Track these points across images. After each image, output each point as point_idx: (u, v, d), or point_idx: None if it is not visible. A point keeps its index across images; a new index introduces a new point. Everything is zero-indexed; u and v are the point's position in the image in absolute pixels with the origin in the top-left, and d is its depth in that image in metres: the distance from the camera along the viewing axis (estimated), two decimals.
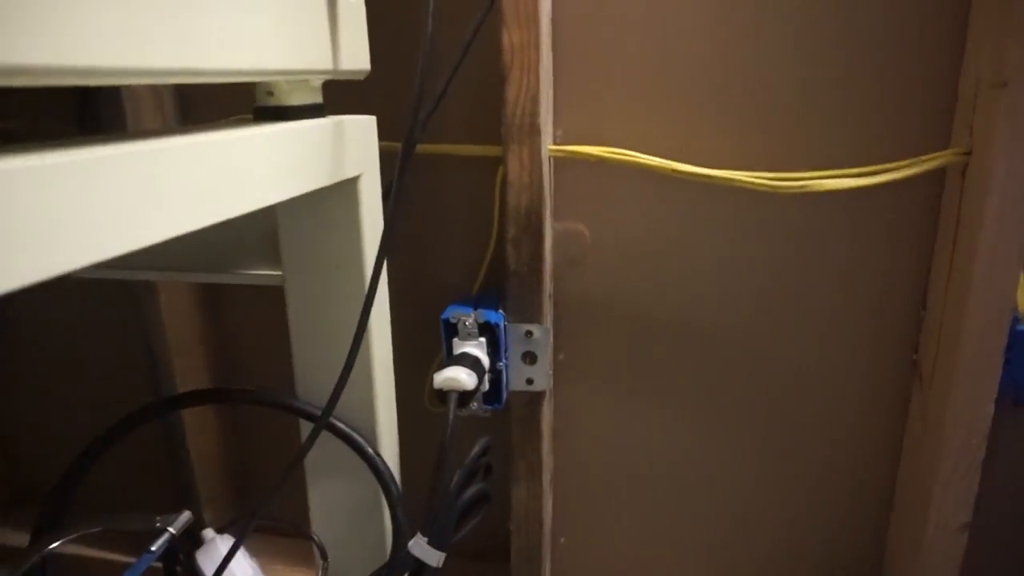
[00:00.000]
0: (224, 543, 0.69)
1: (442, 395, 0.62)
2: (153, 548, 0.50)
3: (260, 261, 0.62)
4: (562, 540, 0.86)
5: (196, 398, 0.65)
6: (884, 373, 0.72)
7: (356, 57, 0.54)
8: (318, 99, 0.52)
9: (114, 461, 1.02)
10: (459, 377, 0.62)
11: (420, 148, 0.71)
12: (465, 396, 0.62)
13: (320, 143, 0.50)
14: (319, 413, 0.54)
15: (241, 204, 0.41)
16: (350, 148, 0.54)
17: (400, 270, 0.71)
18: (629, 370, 0.78)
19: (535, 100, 0.62)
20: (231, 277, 0.61)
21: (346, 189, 0.55)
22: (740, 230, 0.71)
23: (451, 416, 0.60)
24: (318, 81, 0.51)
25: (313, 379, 0.62)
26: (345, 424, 0.60)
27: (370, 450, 0.61)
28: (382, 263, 0.51)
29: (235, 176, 0.40)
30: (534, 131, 0.63)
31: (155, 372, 0.83)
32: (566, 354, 0.78)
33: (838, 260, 0.70)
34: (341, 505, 0.65)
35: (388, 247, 0.51)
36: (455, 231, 0.77)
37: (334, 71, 0.51)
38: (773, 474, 0.78)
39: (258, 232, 0.61)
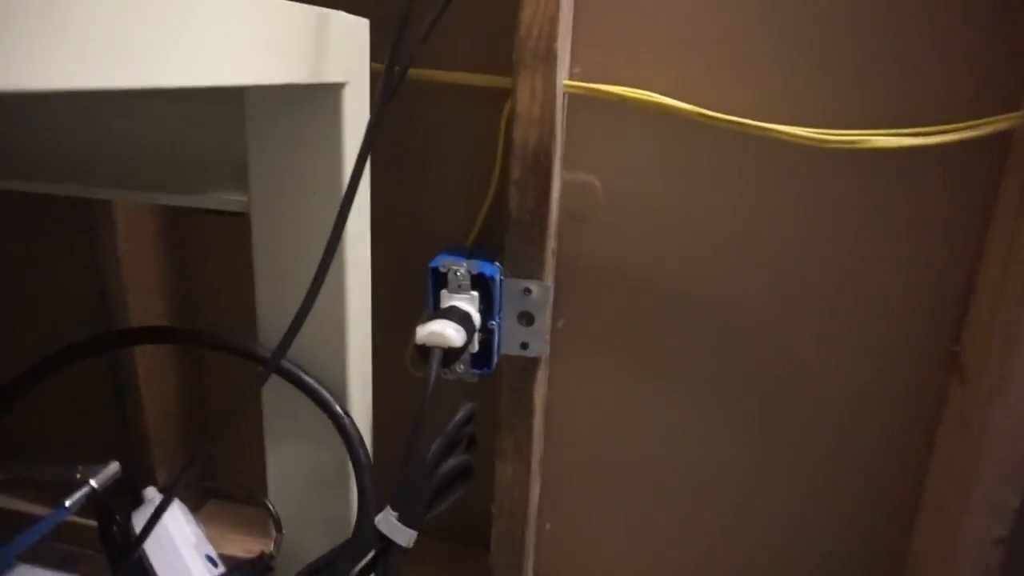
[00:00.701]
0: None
1: (424, 353, 0.55)
2: (68, 503, 0.42)
3: (227, 185, 0.54)
4: (548, 527, 0.78)
5: (129, 337, 0.57)
6: (916, 365, 0.64)
7: None
8: None
9: (58, 405, 0.94)
10: (445, 332, 0.54)
11: (418, 73, 0.63)
12: (450, 355, 0.54)
13: (300, 30, 0.41)
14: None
15: (192, 72, 0.32)
16: (336, 48, 0.46)
17: (387, 212, 0.63)
18: (634, 344, 0.70)
19: (553, 22, 0.54)
20: (191, 199, 0.53)
21: (327, 97, 0.47)
22: (771, 193, 0.63)
23: (432, 375, 0.52)
24: None
25: (278, 323, 0.54)
26: (306, 373, 0.53)
27: (337, 407, 0.53)
28: (358, 180, 0.43)
29: (187, 36, 0.32)
30: (550, 58, 0.55)
31: (108, 307, 0.75)
32: (566, 321, 0.71)
33: (873, 232, 0.62)
34: (302, 470, 0.58)
35: (363, 165, 0.43)
36: (453, 171, 0.69)
37: None
38: (781, 468, 0.70)
39: (226, 151, 0.53)
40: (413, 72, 0.63)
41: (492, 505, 0.69)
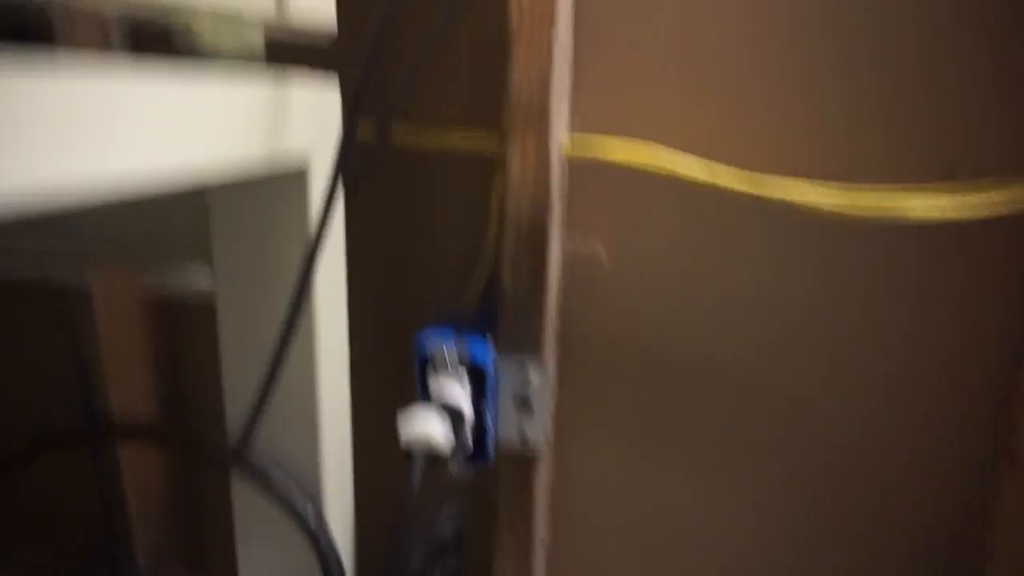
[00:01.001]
0: None
1: (408, 451, 0.49)
2: None
3: (198, 269, 0.50)
4: None
5: (62, 440, 0.52)
6: (962, 450, 0.57)
7: (315, 9, 0.41)
8: (253, 46, 0.39)
9: (40, 485, 0.89)
10: (431, 433, 0.48)
11: (405, 136, 0.58)
12: (436, 461, 0.48)
13: (248, 106, 0.37)
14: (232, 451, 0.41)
15: (123, 176, 0.28)
16: (297, 120, 0.41)
17: (373, 284, 0.58)
18: (646, 421, 0.64)
19: (545, 85, 0.49)
20: (156, 283, 0.48)
21: (290, 181, 0.42)
22: (792, 256, 0.57)
23: (415, 483, 0.46)
24: (254, 25, 0.38)
25: (244, 418, 0.48)
26: (273, 474, 0.47)
27: (310, 521, 0.47)
28: (310, 269, 0.38)
29: (105, 131, 0.27)
30: (543, 121, 0.50)
31: (89, 392, 0.70)
32: (571, 401, 0.64)
33: (909, 298, 0.55)
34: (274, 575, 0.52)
35: (319, 248, 0.38)
36: (446, 241, 0.64)
37: (279, 18, 0.38)
38: (809, 555, 0.63)
39: (198, 237, 0.49)
40: (399, 133, 0.58)
41: None
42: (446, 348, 0.52)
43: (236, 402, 0.48)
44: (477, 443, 0.55)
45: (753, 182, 0.52)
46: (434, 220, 0.63)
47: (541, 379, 0.54)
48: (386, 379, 0.66)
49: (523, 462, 0.57)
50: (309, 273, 0.37)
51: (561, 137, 0.54)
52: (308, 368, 0.46)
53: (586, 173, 0.59)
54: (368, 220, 0.64)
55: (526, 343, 0.54)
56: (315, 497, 0.48)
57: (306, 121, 0.41)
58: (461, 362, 0.53)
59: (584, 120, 0.57)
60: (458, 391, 0.53)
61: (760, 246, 0.57)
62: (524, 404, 0.55)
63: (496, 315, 0.55)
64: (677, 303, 0.60)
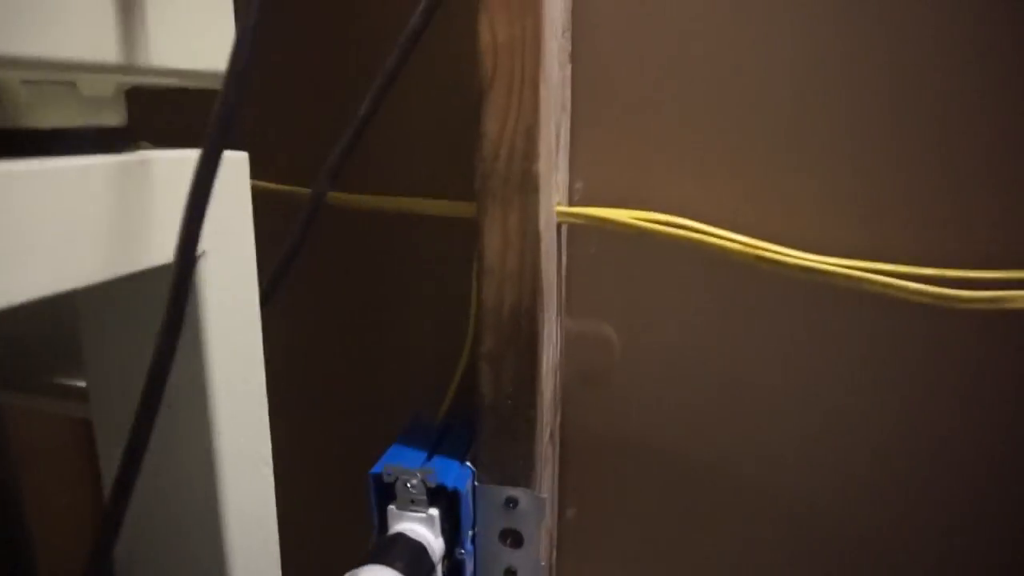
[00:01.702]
0: None
1: None
2: None
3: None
4: None
5: None
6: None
7: (177, 49, 0.30)
8: (104, 119, 0.28)
9: None
10: None
11: (366, 199, 0.47)
12: None
13: (96, 201, 0.26)
14: None
15: None
16: (168, 209, 0.30)
17: (334, 379, 0.47)
18: (665, 535, 0.52)
19: (531, 135, 0.38)
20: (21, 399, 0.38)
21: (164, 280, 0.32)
22: (838, 339, 0.45)
23: None
24: (103, 84, 0.28)
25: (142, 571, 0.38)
26: None
27: None
28: (160, 379, 0.27)
29: None
30: (527, 186, 0.38)
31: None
32: (577, 511, 0.53)
33: (963, 384, 0.43)
34: None
35: (166, 351, 0.27)
36: (414, 332, 0.52)
37: (128, 68, 0.27)
38: None
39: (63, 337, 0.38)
40: (352, 198, 0.47)
41: None
42: (407, 474, 0.41)
43: (134, 557, 0.38)
44: None
45: (799, 261, 0.40)
46: (398, 305, 0.52)
47: (534, 508, 0.43)
48: (336, 514, 0.55)
49: None
50: (155, 385, 0.26)
51: (554, 205, 0.42)
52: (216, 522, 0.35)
53: (590, 242, 0.47)
54: (305, 309, 0.54)
55: (513, 465, 0.42)
56: None
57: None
58: (428, 490, 0.41)
59: (588, 187, 0.46)
60: (423, 524, 0.42)
61: (802, 326, 0.45)
62: (512, 538, 0.44)
63: (475, 430, 0.43)
64: (703, 393, 0.48)
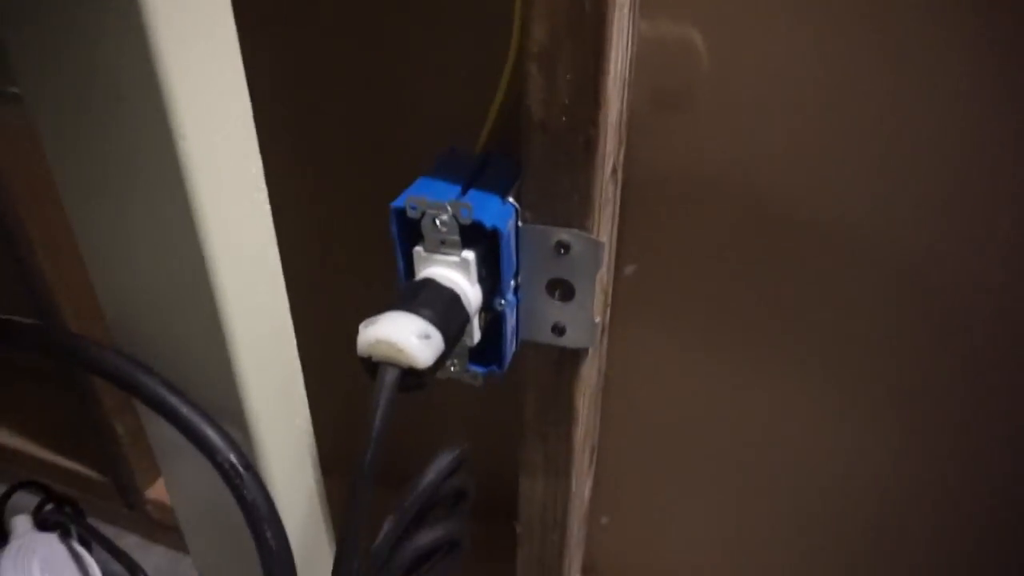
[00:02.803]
0: (34, 542, 0.45)
1: (372, 368, 0.32)
2: None
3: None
4: (603, 520, 0.58)
5: None
6: None
7: None
8: None
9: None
10: (399, 340, 0.30)
11: None
12: (411, 376, 0.31)
13: None
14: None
15: None
16: None
17: (350, 109, 0.37)
18: (736, 308, 0.45)
19: None
20: None
21: None
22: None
23: (377, 420, 0.30)
24: None
25: (125, 315, 0.32)
26: (168, 398, 0.31)
27: (230, 455, 0.32)
28: None
29: None
30: None
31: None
32: (638, 266, 0.45)
33: None
34: (207, 511, 0.38)
35: None
36: (449, 30, 0.41)
37: None
38: (920, 484, 0.46)
39: None
40: None
41: (516, 523, 0.49)
42: (436, 207, 0.33)
43: (115, 301, 0.31)
44: (489, 341, 0.37)
45: None
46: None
47: (589, 254, 0.35)
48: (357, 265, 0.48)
49: (559, 364, 0.39)
50: None
51: None
52: (203, 263, 0.28)
53: None
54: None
55: (566, 200, 0.34)
56: (237, 435, 0.32)
57: None
58: (462, 228, 0.33)
59: None
60: (456, 269, 0.34)
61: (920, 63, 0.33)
62: (562, 289, 0.37)
63: (520, 159, 0.34)
64: (805, 131, 0.38)
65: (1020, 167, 0.36)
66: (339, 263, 0.54)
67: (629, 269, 0.45)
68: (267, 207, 0.31)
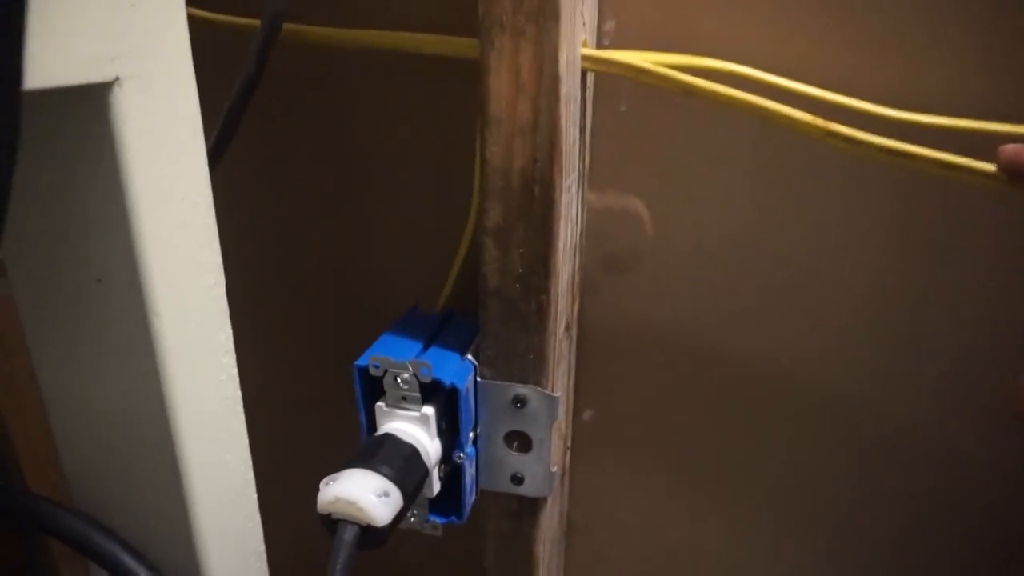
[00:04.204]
0: None
1: (331, 525, 0.32)
2: None
3: None
4: None
5: None
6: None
7: None
8: None
9: None
10: (359, 499, 0.31)
11: (339, 34, 0.39)
12: (370, 533, 0.32)
13: None
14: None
15: None
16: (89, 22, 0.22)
17: (309, 277, 0.40)
18: (694, 447, 0.47)
19: None
20: None
21: (81, 111, 0.24)
22: (919, 213, 0.37)
23: (338, 566, 0.30)
24: None
25: (85, 473, 0.33)
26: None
27: None
28: None
29: None
30: (546, 10, 0.30)
31: None
32: (595, 413, 0.47)
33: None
34: None
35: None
36: (406, 206, 0.45)
37: None
38: None
39: None
40: (321, 32, 0.39)
41: None
42: (397, 367, 0.35)
43: (78, 462, 0.32)
44: (449, 492, 0.38)
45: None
46: (388, 169, 0.45)
47: (544, 408, 0.37)
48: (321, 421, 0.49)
49: (518, 514, 0.40)
50: None
51: (579, 45, 0.34)
52: (158, 417, 0.29)
53: (621, 96, 0.39)
54: (272, 177, 0.47)
55: (521, 359, 0.36)
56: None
57: (104, 18, 0.23)
58: (422, 385, 0.35)
59: (621, 27, 0.37)
60: (416, 424, 0.36)
61: (870, 202, 0.37)
62: (520, 441, 0.38)
63: (479, 319, 0.37)
64: (743, 285, 0.41)
65: (942, 322, 0.39)
66: (303, 419, 0.55)
67: (587, 414, 0.47)
68: (235, 370, 0.33)
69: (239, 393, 0.33)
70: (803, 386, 0.43)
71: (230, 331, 0.32)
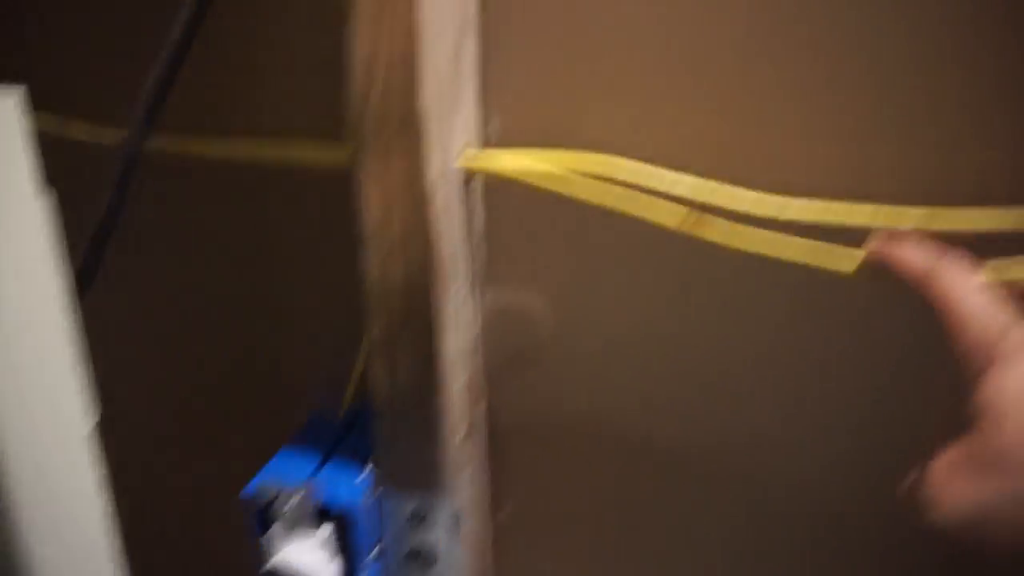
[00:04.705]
0: None
1: None
2: None
3: None
4: None
5: None
6: None
7: None
8: None
9: None
10: None
11: (212, 146, 0.38)
12: None
13: None
14: None
15: None
16: None
17: (205, 393, 0.39)
18: (616, 533, 0.45)
19: (409, 60, 0.29)
20: None
21: None
22: (807, 302, 0.37)
23: None
24: None
25: None
26: None
27: None
28: None
29: None
30: (410, 128, 0.30)
31: None
32: (513, 507, 0.46)
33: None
34: None
35: None
36: (308, 314, 0.44)
37: None
38: None
39: None
40: (193, 144, 0.38)
41: None
42: (288, 494, 0.33)
43: None
44: None
45: (778, 206, 0.32)
46: (281, 280, 0.44)
47: (446, 520, 0.36)
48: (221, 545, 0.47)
49: None
50: None
51: (456, 152, 0.34)
52: None
53: (515, 200, 0.39)
54: (160, 294, 0.46)
55: (417, 472, 0.35)
56: None
57: None
58: (315, 509, 0.34)
59: (507, 125, 0.37)
60: (312, 548, 0.34)
61: (764, 294, 0.38)
62: (424, 557, 0.37)
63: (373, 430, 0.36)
64: (649, 374, 0.41)
65: (850, 396, 0.39)
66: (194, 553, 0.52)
67: (506, 510, 0.46)
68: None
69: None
70: (722, 467, 0.43)
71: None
